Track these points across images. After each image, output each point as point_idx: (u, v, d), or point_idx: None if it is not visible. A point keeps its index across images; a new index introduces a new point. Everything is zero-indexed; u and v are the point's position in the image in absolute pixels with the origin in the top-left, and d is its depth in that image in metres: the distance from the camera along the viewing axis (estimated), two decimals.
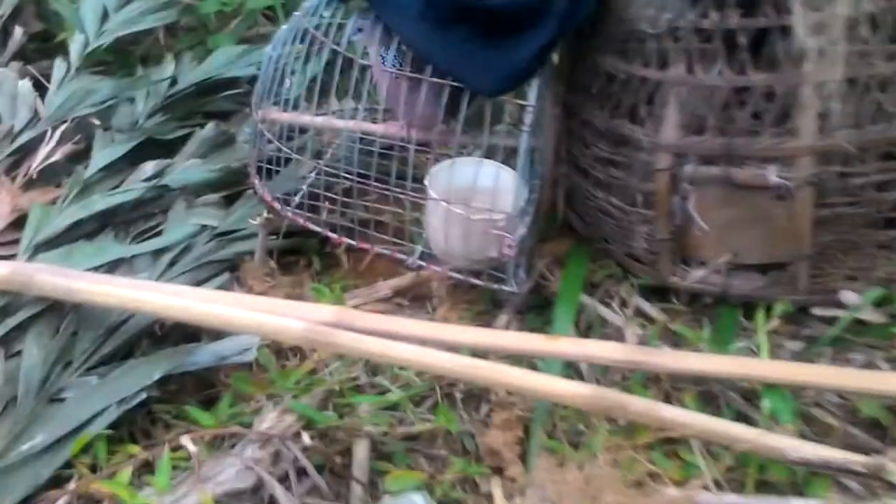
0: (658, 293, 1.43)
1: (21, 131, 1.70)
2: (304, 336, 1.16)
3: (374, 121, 1.61)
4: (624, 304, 1.43)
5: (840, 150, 1.21)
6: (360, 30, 1.45)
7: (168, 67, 1.88)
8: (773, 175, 1.24)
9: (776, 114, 1.23)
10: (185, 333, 1.33)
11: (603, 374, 1.29)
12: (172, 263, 1.44)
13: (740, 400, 1.23)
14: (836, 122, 1.20)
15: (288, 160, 1.53)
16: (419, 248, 1.45)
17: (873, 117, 1.20)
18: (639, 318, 1.39)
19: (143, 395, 1.18)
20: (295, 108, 1.54)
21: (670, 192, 1.33)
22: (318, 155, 1.61)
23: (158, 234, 1.51)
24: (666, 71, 1.28)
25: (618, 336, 1.36)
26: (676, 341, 1.34)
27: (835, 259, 1.29)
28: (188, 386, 1.29)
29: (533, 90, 1.33)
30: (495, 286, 1.38)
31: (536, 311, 1.42)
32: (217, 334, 1.33)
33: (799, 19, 1.16)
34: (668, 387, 1.25)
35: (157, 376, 1.19)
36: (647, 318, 1.40)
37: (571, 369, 1.29)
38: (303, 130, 1.56)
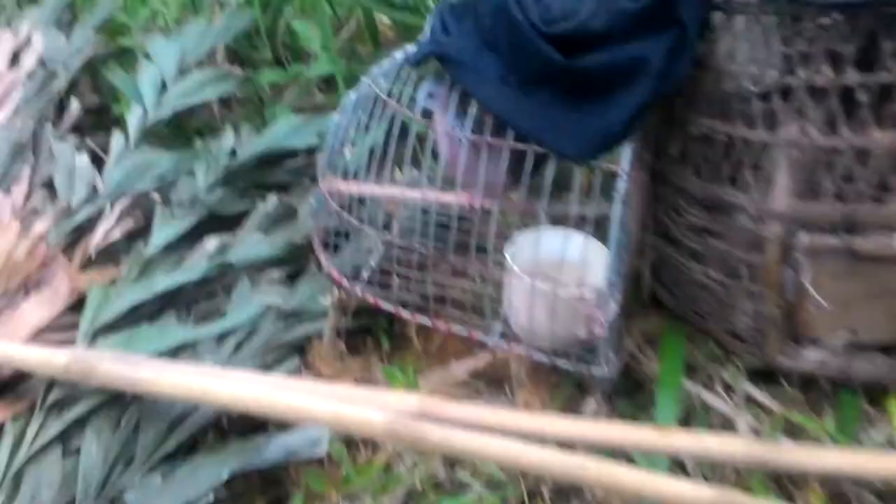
0: (765, 377, 1.28)
1: (79, 208, 1.62)
2: (388, 430, 1.04)
3: (444, 191, 1.51)
4: (729, 389, 1.28)
5: None
6: (430, 95, 1.36)
7: (227, 139, 1.80)
8: None
9: None
10: (252, 425, 1.21)
11: (712, 471, 1.14)
12: (238, 347, 1.33)
13: (877, 502, 1.07)
14: None
15: (352, 234, 1.43)
16: (498, 327, 1.32)
17: None
18: (748, 405, 1.25)
19: (211, 497, 1.06)
20: (357, 177, 1.42)
21: (780, 263, 1.19)
22: (385, 227, 1.51)
23: (222, 314, 1.41)
24: (775, 132, 1.16)
25: (726, 426, 1.22)
26: (795, 432, 1.19)
27: None
28: (255, 484, 1.17)
29: (626, 155, 1.22)
30: (582, 368, 1.24)
31: (626, 396, 1.29)
32: (284, 425, 1.21)
33: None
34: (790, 485, 1.10)
35: (225, 475, 1.07)
36: (757, 405, 1.25)
37: (674, 464, 1.15)
38: (363, 201, 1.46)
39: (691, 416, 1.25)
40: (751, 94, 1.17)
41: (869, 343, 1.19)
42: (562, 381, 1.31)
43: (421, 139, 1.37)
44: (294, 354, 1.37)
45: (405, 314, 1.37)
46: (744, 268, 1.24)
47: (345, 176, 1.45)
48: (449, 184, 1.52)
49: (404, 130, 1.35)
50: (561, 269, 1.28)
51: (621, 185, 1.21)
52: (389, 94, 1.40)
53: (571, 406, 1.28)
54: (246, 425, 1.22)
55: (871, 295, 1.16)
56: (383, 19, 2.09)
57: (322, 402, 1.08)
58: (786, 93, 1.14)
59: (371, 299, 1.40)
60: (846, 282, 1.16)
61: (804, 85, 1.12)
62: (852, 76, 1.10)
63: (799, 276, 1.18)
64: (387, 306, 1.39)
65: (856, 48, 1.08)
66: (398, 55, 1.42)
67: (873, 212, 1.12)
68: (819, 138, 1.13)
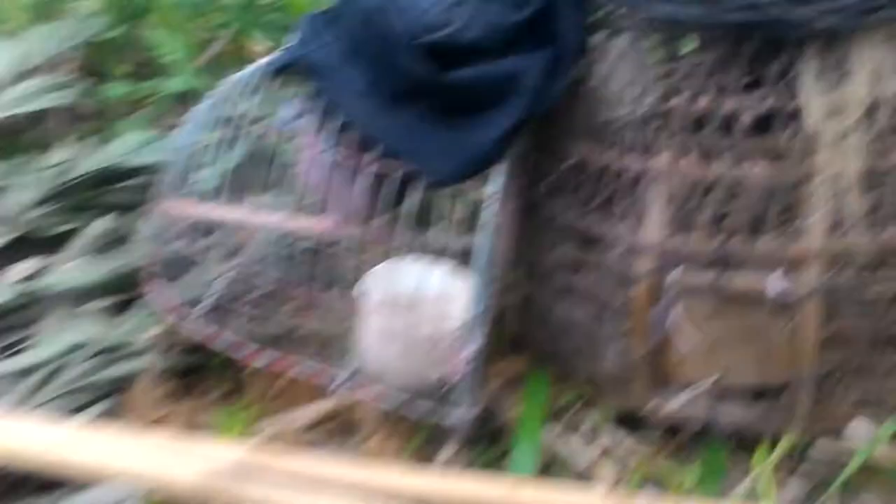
0: (632, 423, 1.18)
1: None
2: (200, 488, 0.86)
3: (300, 216, 1.35)
4: (593, 435, 1.17)
5: (854, 255, 1.01)
6: (299, 114, 1.22)
7: (61, 153, 1.59)
8: (774, 283, 1.02)
9: (780, 211, 1.03)
10: (47, 479, 1.00)
11: None
12: (41, 386, 1.12)
13: None
14: (850, 221, 1.00)
15: (195, 262, 1.26)
16: (347, 368, 1.18)
17: (894, 216, 1.00)
18: (612, 453, 1.14)
19: None
20: (208, 201, 1.27)
21: (650, 301, 1.10)
22: (231, 256, 1.34)
23: (27, 347, 1.20)
24: (650, 160, 1.08)
25: (588, 475, 1.10)
26: (659, 482, 1.08)
27: (842, 384, 1.08)
28: None
29: (495, 181, 1.11)
30: (439, 414, 1.12)
31: (486, 443, 1.17)
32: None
33: (810, 101, 0.97)
34: None
35: None
36: (621, 453, 1.14)
37: None
38: (212, 229, 1.30)
39: (551, 466, 1.13)
40: (627, 120, 1.09)
41: (738, 388, 1.11)
42: (416, 427, 1.17)
43: (280, 158, 1.25)
44: (110, 395, 1.18)
45: (241, 353, 1.20)
46: (613, 307, 1.14)
47: (191, 197, 1.28)
48: (309, 208, 1.36)
49: (264, 148, 1.24)
50: (420, 304, 1.16)
51: (489, 214, 1.10)
52: (247, 108, 1.25)
53: (425, 454, 1.15)
54: (39, 479, 1.01)
55: (741, 337, 1.08)
56: (257, 39, 1.94)
57: (126, 455, 0.88)
58: (663, 120, 1.06)
59: (204, 335, 1.22)
60: (716, 322, 1.08)
61: (682, 112, 1.05)
62: (732, 104, 1.03)
63: (668, 316, 1.09)
64: (220, 344, 1.21)
65: (738, 75, 1.01)
66: (257, 65, 1.28)
67: (746, 249, 1.05)
68: (694, 169, 1.05)
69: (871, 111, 0.97)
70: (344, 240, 1.21)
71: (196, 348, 1.26)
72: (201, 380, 1.27)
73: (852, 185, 0.98)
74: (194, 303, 1.27)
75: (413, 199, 1.11)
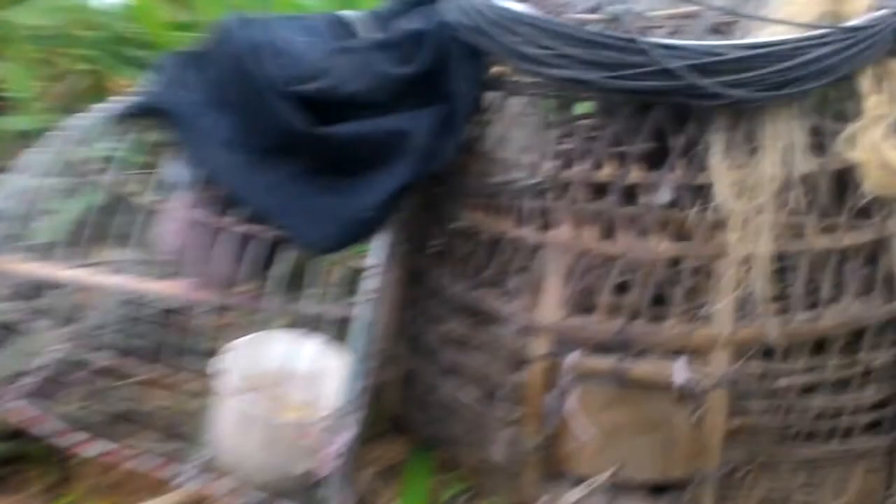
0: None
1: None
2: None
3: (150, 278, 1.18)
4: None
5: (762, 343, 0.94)
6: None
7: None
8: (679, 371, 0.93)
9: (686, 294, 0.95)
10: None
11: None
12: None
13: None
14: (760, 307, 0.92)
15: (19, 329, 1.08)
16: (197, 458, 1.03)
17: (803, 302, 0.93)
18: None
19: None
20: (41, 257, 1.10)
21: (544, 386, 1.01)
22: (65, 323, 1.15)
23: None
24: (548, 232, 0.99)
25: None
26: None
27: (748, 480, 1.00)
28: None
29: (378, 248, 0.99)
30: None
31: None
32: None
33: (718, 176, 0.90)
34: None
35: None
36: None
37: None
38: (43, 290, 1.13)
39: None
40: (523, 186, 1.00)
41: (637, 483, 1.02)
42: None
43: (135, 210, 1.08)
44: None
45: (69, 441, 1.02)
46: (504, 390, 1.04)
47: (20, 253, 1.10)
48: (163, 269, 1.19)
49: (116, 199, 1.08)
50: (286, 384, 1.04)
51: (370, 283, 1.00)
52: (94, 153, 1.09)
53: None
54: None
55: (642, 428, 1.00)
56: (123, 74, 1.75)
57: None
58: (562, 189, 0.97)
59: (25, 418, 1.03)
60: (616, 411, 0.99)
61: (582, 181, 0.96)
62: (636, 174, 0.94)
63: (564, 403, 0.99)
64: (44, 430, 1.03)
65: (643, 145, 0.93)
66: (108, 106, 1.12)
67: (650, 333, 0.96)
68: (595, 243, 0.96)
69: (782, 190, 0.90)
70: (200, 307, 1.06)
71: (15, 433, 1.08)
72: (21, 470, 1.10)
73: (762, 269, 0.90)
74: (15, 379, 1.08)
75: (284, 263, 0.99)
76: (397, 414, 1.18)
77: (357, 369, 1.01)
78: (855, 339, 0.95)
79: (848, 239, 0.92)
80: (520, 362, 1.02)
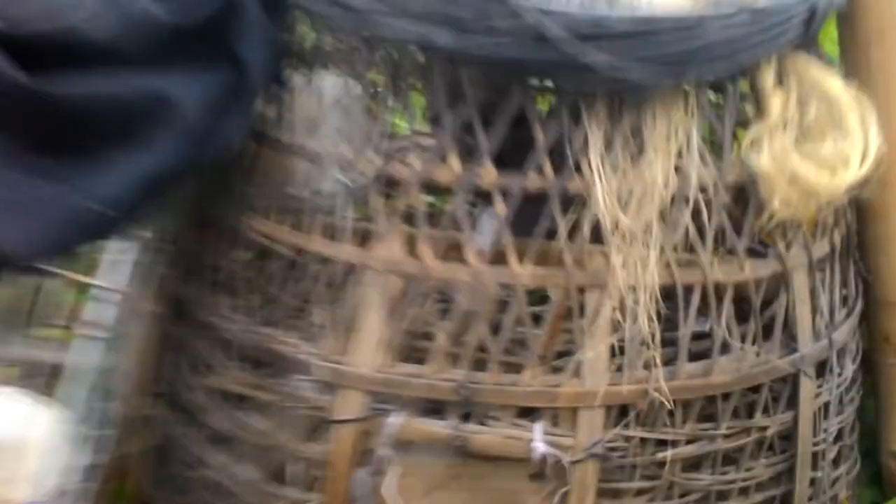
0: None
1: None
2: None
3: None
4: None
5: (644, 402, 0.72)
6: None
7: None
8: (537, 439, 0.70)
9: (547, 336, 0.73)
10: None
11: None
12: None
13: None
14: (641, 354, 0.70)
15: None
16: None
17: (690, 350, 0.73)
18: None
19: None
20: None
21: (353, 460, 0.75)
22: None
23: None
24: (367, 250, 0.74)
25: None
26: None
27: None
28: None
29: (118, 264, 0.68)
30: None
31: None
32: None
33: (597, 183, 0.68)
34: None
35: None
36: None
37: None
38: None
39: None
40: (333, 191, 0.74)
41: None
42: None
43: None
44: None
45: None
46: (297, 465, 0.78)
47: None
48: None
49: None
50: None
51: (106, 314, 0.73)
52: None
53: None
54: None
55: None
56: None
57: None
58: (386, 195, 0.72)
59: None
60: (450, 493, 0.75)
61: (413, 185, 0.71)
62: (486, 178, 0.70)
63: (379, 482, 0.74)
64: None
65: (496, 138, 0.70)
66: None
67: (499, 386, 0.72)
68: (431, 264, 0.71)
69: (673, 204, 0.69)
70: None
71: None
72: None
73: (647, 305, 0.68)
74: None
75: None
76: (149, 496, 0.90)
77: (86, 434, 0.73)
78: (747, 398, 0.75)
79: (749, 270, 0.72)
80: (319, 428, 0.76)
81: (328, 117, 0.77)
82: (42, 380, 0.73)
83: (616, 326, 0.69)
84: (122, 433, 0.85)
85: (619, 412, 0.71)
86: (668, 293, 0.71)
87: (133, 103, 0.69)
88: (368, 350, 0.73)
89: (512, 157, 0.71)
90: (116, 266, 0.71)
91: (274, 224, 0.78)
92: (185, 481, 0.87)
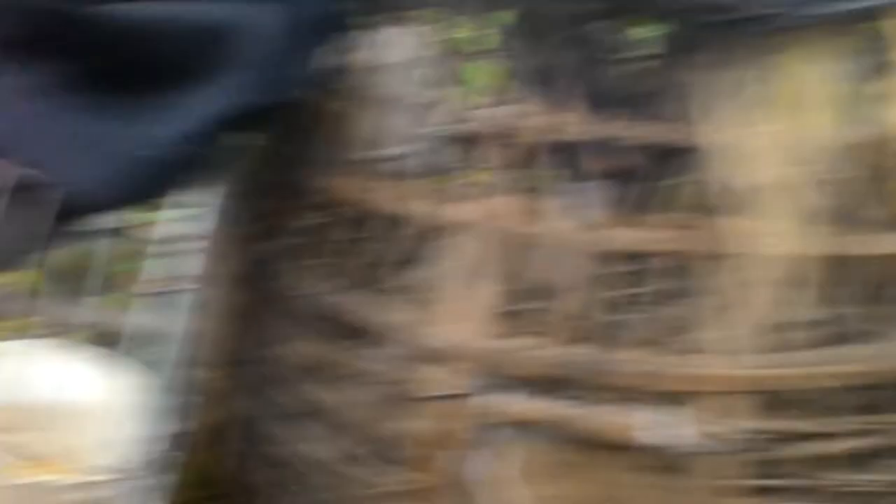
0: None
1: None
2: None
3: None
4: None
5: (794, 390, 0.63)
6: None
7: None
8: (667, 427, 0.63)
9: (679, 311, 0.63)
10: None
11: None
12: None
13: None
14: (793, 335, 0.61)
15: None
16: None
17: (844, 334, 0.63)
18: None
19: None
20: None
21: (451, 443, 0.68)
22: None
23: None
24: (458, 208, 0.66)
25: None
26: None
27: None
28: None
29: (201, 218, 0.65)
30: None
31: None
32: None
33: (733, 135, 0.59)
34: None
35: None
36: None
37: None
38: None
39: None
40: (424, 145, 0.68)
41: None
42: None
43: None
44: None
45: None
46: (385, 445, 0.71)
47: None
48: None
49: None
50: (35, 423, 0.71)
51: (185, 270, 0.72)
52: None
53: None
54: None
55: None
56: None
57: None
58: (484, 148, 0.66)
59: None
60: (563, 482, 0.67)
61: (513, 137, 0.65)
62: (593, 129, 0.62)
63: (480, 467, 0.67)
64: None
65: (600, 86, 0.64)
66: None
67: (617, 364, 0.64)
68: (532, 224, 0.64)
69: (823, 160, 0.60)
70: None
71: None
72: None
73: (798, 279, 0.59)
74: None
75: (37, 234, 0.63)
76: (214, 476, 0.83)
77: (162, 407, 0.71)
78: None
79: None
80: (413, 405, 0.68)
81: (414, 66, 0.69)
82: (119, 343, 0.69)
83: (764, 302, 0.60)
84: (198, 403, 0.81)
85: (768, 399, 0.62)
86: (822, 264, 0.61)
87: (194, 32, 0.64)
88: (469, 320, 0.66)
89: (619, 108, 0.63)
90: (194, 218, 0.65)
91: (352, 181, 0.71)
92: (257, 461, 0.80)
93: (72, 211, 0.63)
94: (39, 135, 0.61)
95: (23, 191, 0.60)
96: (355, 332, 0.72)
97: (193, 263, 0.65)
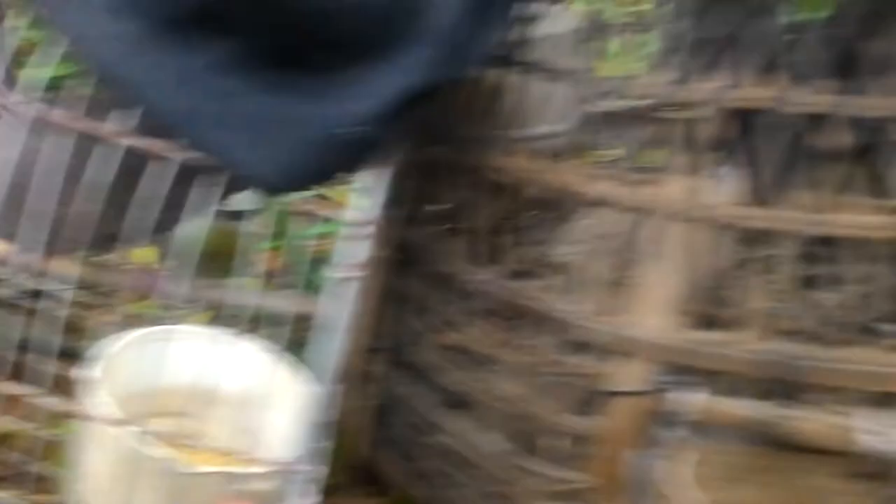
0: None
1: None
2: None
3: None
4: None
5: None
6: None
7: None
8: (866, 429, 0.58)
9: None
10: None
11: None
12: None
13: None
14: None
15: None
16: None
17: None
18: None
19: None
20: None
21: (628, 440, 0.63)
22: None
23: None
24: (654, 188, 0.61)
25: None
26: None
27: None
28: None
29: (369, 201, 0.63)
30: None
31: None
32: None
33: None
34: None
35: None
36: None
37: None
38: None
39: None
40: (608, 116, 0.63)
41: None
42: None
43: None
44: None
45: None
46: (558, 440, 0.67)
47: None
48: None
49: None
50: (199, 411, 0.69)
51: (355, 253, 0.61)
52: None
53: None
54: None
55: None
56: None
57: None
58: (681, 121, 0.60)
59: None
60: (753, 487, 0.61)
61: (718, 105, 0.58)
62: (805, 98, 0.55)
63: (658, 468, 0.62)
64: None
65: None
66: None
67: (830, 365, 0.60)
68: (742, 207, 0.58)
69: None
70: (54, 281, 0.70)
71: None
72: None
73: None
74: None
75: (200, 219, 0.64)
76: (367, 461, 0.82)
77: (320, 395, 0.64)
78: None
79: None
80: (586, 399, 0.64)
81: (582, 38, 0.63)
82: (279, 329, 0.65)
83: None
84: (346, 392, 0.77)
85: None
86: None
87: (380, 10, 0.61)
88: (656, 311, 0.60)
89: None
90: (366, 198, 0.61)
91: (527, 159, 0.67)
92: (414, 446, 0.78)
93: (237, 192, 0.60)
94: (215, 116, 0.58)
95: (187, 172, 0.58)
96: (525, 319, 0.68)
97: (361, 249, 0.61)
